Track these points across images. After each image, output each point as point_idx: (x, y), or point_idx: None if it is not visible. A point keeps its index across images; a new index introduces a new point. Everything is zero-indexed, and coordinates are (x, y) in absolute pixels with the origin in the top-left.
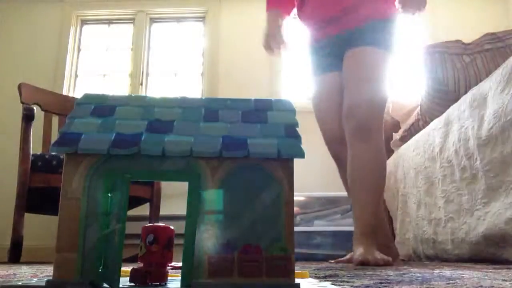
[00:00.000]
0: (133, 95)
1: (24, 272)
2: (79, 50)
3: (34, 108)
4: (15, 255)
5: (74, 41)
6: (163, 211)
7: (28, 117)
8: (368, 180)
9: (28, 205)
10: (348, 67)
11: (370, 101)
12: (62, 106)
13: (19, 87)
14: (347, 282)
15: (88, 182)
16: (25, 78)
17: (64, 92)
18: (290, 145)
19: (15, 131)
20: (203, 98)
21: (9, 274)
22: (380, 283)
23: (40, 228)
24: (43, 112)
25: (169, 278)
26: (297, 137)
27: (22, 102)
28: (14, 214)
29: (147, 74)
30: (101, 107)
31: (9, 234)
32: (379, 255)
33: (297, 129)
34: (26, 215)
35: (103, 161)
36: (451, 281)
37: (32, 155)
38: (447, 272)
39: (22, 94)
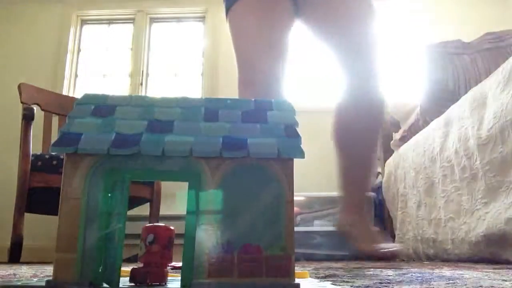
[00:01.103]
0: (133, 95)
1: (24, 272)
2: (79, 50)
3: (34, 108)
4: (15, 255)
5: (74, 41)
6: (163, 211)
7: (28, 117)
8: (372, 137)
9: (28, 205)
10: (351, 24)
11: (382, 70)
12: (62, 106)
13: (19, 87)
14: (347, 282)
15: (88, 182)
16: (25, 78)
17: (64, 92)
18: (290, 145)
19: (15, 131)
20: (203, 98)
21: (9, 274)
22: (380, 283)
23: (40, 228)
24: (43, 112)
25: (169, 278)
26: (297, 137)
27: (22, 102)
28: (14, 214)
29: (147, 74)
30: (101, 107)
31: (9, 234)
32: (384, 245)
33: (297, 129)
34: (26, 215)
35: (103, 161)
36: (451, 281)
37: (32, 155)
38: (447, 272)
39: (22, 94)
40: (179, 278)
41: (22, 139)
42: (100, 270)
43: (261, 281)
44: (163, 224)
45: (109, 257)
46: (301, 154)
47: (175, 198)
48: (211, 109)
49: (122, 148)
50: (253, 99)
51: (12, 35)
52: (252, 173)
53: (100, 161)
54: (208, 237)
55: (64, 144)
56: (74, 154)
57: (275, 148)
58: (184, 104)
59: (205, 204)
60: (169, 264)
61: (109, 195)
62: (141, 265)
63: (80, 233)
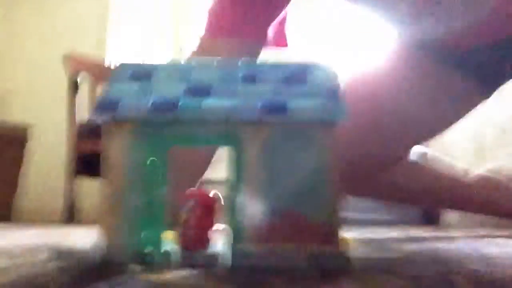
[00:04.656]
0: (170, 60)
1: (78, 234)
2: (120, 19)
3: (79, 77)
4: (69, 217)
5: (118, 11)
6: (207, 175)
7: (73, 85)
8: None
9: (78, 169)
10: None
11: None
12: (106, 74)
13: (66, 56)
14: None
15: (128, 148)
16: (70, 46)
17: (108, 61)
18: (333, 108)
19: (61, 98)
20: (241, 61)
21: (64, 234)
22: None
23: (93, 190)
24: (88, 80)
25: (211, 243)
26: (340, 99)
27: (68, 71)
28: (65, 178)
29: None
30: (138, 72)
31: (62, 197)
32: None
33: (340, 91)
34: (79, 179)
35: (142, 127)
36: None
37: (78, 122)
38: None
39: (68, 63)
40: (222, 243)
41: (68, 107)
42: (142, 236)
43: (304, 249)
44: (204, 190)
45: (151, 222)
46: (345, 117)
47: (218, 162)
48: (249, 72)
49: (160, 114)
50: (293, 63)
51: (56, 3)
52: (293, 138)
53: (139, 127)
54: (250, 203)
55: (103, 111)
56: (112, 120)
57: (317, 112)
58: (221, 67)
59: (246, 170)
60: (212, 229)
61: (150, 161)
62: (183, 230)
63: (123, 200)
